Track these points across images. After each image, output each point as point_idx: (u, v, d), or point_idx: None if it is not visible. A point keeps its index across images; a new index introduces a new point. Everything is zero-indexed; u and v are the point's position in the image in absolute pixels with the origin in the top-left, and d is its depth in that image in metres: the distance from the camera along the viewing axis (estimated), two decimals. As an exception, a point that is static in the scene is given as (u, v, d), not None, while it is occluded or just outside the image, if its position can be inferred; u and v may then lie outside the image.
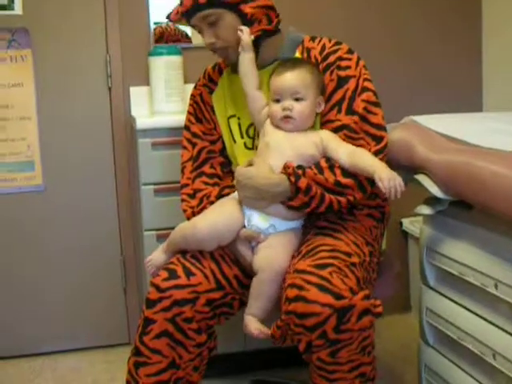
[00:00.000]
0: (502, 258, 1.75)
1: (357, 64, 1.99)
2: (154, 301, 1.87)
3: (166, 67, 2.82)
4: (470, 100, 3.25)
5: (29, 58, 2.85)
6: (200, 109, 2.19)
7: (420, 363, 2.19)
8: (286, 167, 1.87)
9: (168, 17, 2.04)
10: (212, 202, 2.05)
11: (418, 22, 3.19)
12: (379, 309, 1.72)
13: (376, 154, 1.91)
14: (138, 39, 2.96)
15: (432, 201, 2.02)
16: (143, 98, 2.96)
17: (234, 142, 2.12)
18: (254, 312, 1.87)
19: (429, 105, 3.02)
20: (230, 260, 1.97)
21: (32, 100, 2.89)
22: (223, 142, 2.16)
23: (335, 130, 1.94)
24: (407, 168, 2.07)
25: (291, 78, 1.91)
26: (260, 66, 2.03)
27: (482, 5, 3.22)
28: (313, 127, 1.97)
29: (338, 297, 1.66)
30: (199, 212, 2.06)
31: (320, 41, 2.05)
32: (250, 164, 1.94)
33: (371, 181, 1.86)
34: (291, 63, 1.95)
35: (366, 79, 1.98)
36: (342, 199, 1.89)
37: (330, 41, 2.04)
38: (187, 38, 3.01)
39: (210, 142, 2.17)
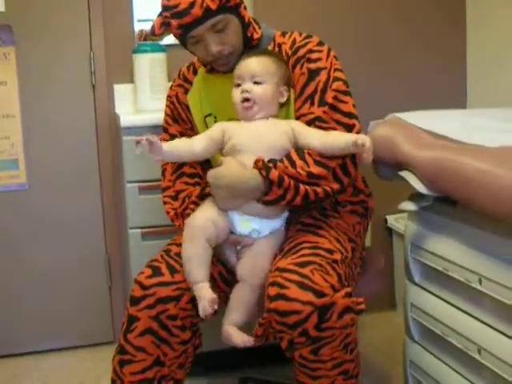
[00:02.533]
0: (486, 253, 1.76)
1: (328, 55, 1.98)
2: (138, 298, 1.86)
3: (150, 65, 2.82)
4: (454, 97, 3.26)
5: (12, 56, 2.83)
6: (176, 109, 2.18)
7: (405, 359, 2.20)
8: (256, 162, 1.84)
9: (152, 33, 1.97)
10: (194, 202, 2.03)
11: (401, 20, 3.19)
12: (361, 306, 1.72)
13: None
14: (122, 36, 2.95)
15: (416, 197, 2.03)
16: (127, 95, 2.95)
17: None
18: (235, 321, 1.85)
19: (413, 102, 3.02)
20: (216, 259, 1.96)
21: (15, 98, 2.87)
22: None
23: (309, 123, 1.93)
24: (391, 165, 2.08)
25: (252, 63, 1.91)
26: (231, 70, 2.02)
27: (466, 3, 3.23)
28: (277, 117, 1.95)
29: (319, 294, 1.67)
30: (182, 213, 2.05)
31: (290, 36, 2.04)
32: (220, 164, 1.92)
33: (346, 171, 1.87)
34: (257, 52, 1.96)
35: (336, 69, 1.97)
36: (318, 189, 1.86)
37: (300, 35, 2.04)
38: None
39: None
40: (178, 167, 2.14)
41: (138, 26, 2.97)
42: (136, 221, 2.59)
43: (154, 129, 2.55)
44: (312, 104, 1.94)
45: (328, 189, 1.87)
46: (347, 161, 1.89)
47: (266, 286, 1.77)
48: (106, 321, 3.09)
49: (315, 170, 1.85)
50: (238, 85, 1.91)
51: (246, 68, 1.91)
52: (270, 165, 1.83)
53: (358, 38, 3.14)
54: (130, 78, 2.93)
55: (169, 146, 1.93)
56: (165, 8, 1.93)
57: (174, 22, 1.91)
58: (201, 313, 1.78)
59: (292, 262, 1.76)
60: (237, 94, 1.91)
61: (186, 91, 2.16)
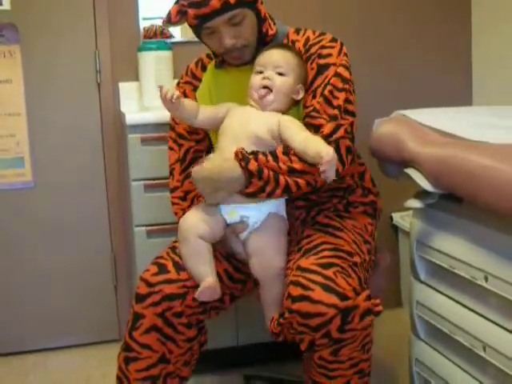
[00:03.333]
0: (492, 250, 1.76)
1: (339, 52, 1.97)
2: (144, 295, 1.86)
3: (155, 62, 2.82)
4: (460, 95, 3.26)
5: (17, 54, 2.84)
6: None
7: (411, 357, 2.19)
8: (236, 153, 1.81)
9: (168, 20, 1.93)
10: None
11: (407, 17, 3.19)
12: (379, 308, 1.73)
13: (331, 133, 1.86)
14: (127, 34, 2.95)
15: (422, 194, 2.02)
16: (132, 93, 2.95)
17: None
18: (274, 314, 1.83)
19: (418, 101, 3.01)
20: (220, 255, 1.97)
21: (21, 96, 2.87)
22: (209, 140, 2.13)
23: (307, 115, 1.92)
24: (397, 162, 2.08)
25: (277, 54, 1.91)
26: (248, 62, 2.01)
27: (471, 3, 3.22)
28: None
29: (343, 297, 1.67)
30: None
31: (304, 33, 2.04)
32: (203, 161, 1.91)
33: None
34: (280, 45, 1.96)
35: (341, 65, 1.95)
36: (300, 181, 1.82)
37: (314, 33, 2.03)
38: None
39: (195, 141, 2.14)
40: (186, 167, 2.13)
41: (143, 24, 2.97)
42: (141, 219, 2.59)
43: (159, 126, 2.56)
44: (314, 97, 1.93)
45: (311, 181, 1.84)
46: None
47: (287, 284, 1.76)
48: (111, 318, 3.09)
49: (298, 165, 1.81)
50: (260, 72, 1.91)
51: (271, 57, 1.91)
52: (250, 156, 1.80)
53: (362, 37, 3.13)
54: (135, 76, 2.93)
55: (183, 104, 1.93)
56: None
57: (191, 12, 1.89)
58: (196, 293, 1.80)
59: (315, 263, 1.75)
60: (256, 80, 1.90)
61: (195, 88, 2.14)
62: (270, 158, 1.81)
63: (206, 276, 1.83)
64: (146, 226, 2.59)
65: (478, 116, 2.19)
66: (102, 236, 3.04)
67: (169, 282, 1.86)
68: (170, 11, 1.93)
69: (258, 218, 1.89)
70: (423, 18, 3.20)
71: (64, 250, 3.00)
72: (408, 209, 2.12)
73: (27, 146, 2.91)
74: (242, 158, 1.80)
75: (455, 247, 1.91)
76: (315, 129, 1.88)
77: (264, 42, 2.01)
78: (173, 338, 1.88)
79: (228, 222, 1.91)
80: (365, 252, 1.94)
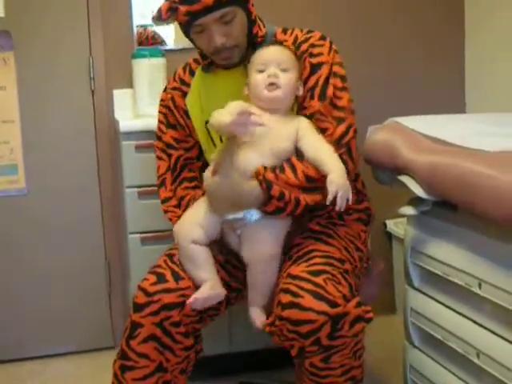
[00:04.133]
0: (486, 257, 1.76)
1: (329, 50, 1.97)
2: (142, 305, 1.86)
3: (149, 69, 2.82)
4: (452, 101, 3.27)
5: (11, 61, 2.83)
6: (173, 114, 2.13)
7: (405, 364, 2.19)
8: (257, 174, 1.81)
9: (158, 17, 1.92)
10: None
11: (399, 24, 3.20)
12: (370, 314, 1.74)
13: (341, 136, 1.87)
14: (121, 41, 2.95)
15: (416, 201, 2.03)
16: (126, 100, 2.95)
17: (214, 146, 2.06)
18: (256, 302, 1.87)
19: (411, 107, 3.02)
20: (219, 264, 1.96)
21: (15, 103, 2.87)
22: (200, 148, 2.13)
23: (309, 117, 1.91)
24: (390, 169, 2.08)
25: (277, 51, 1.90)
26: (239, 63, 2.01)
27: (465, 5, 3.23)
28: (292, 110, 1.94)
29: (333, 305, 1.67)
30: None
31: (292, 32, 2.03)
32: (215, 169, 1.90)
33: (346, 168, 1.83)
34: (275, 43, 1.95)
35: (335, 63, 1.96)
36: (317, 197, 1.84)
37: (301, 31, 2.03)
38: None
39: (184, 149, 2.13)
40: (178, 174, 2.13)
41: (137, 31, 2.97)
42: (135, 226, 2.59)
43: (153, 134, 2.54)
44: (312, 97, 1.92)
45: (326, 192, 1.81)
46: (346, 159, 1.87)
47: (277, 292, 1.77)
48: (105, 326, 3.08)
49: (313, 173, 1.82)
50: (261, 71, 1.88)
51: (273, 54, 1.89)
52: (271, 176, 1.80)
53: (356, 41, 3.14)
54: (129, 83, 2.93)
55: None
56: None
57: (183, 8, 1.87)
58: (188, 300, 1.82)
59: (305, 270, 1.75)
60: (261, 79, 1.86)
61: (184, 94, 2.12)
62: (288, 171, 1.81)
63: (204, 280, 1.85)
64: (140, 233, 2.59)
65: (472, 123, 2.19)
66: (95, 243, 3.03)
67: (167, 291, 1.86)
68: (160, 8, 1.92)
69: (260, 214, 1.88)
70: (416, 24, 3.21)
71: (57, 257, 2.99)
72: (402, 216, 2.12)
73: (21, 153, 2.90)
74: (263, 179, 1.80)
75: (449, 254, 1.92)
76: (322, 131, 1.88)
77: (253, 43, 1.99)
78: (170, 347, 1.88)
79: (229, 217, 1.89)
80: (356, 259, 1.95)
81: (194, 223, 1.90)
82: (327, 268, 1.77)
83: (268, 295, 1.87)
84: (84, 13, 2.89)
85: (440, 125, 2.18)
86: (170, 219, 2.12)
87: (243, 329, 2.60)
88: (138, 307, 1.86)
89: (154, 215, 2.55)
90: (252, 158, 1.83)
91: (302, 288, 1.70)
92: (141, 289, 1.88)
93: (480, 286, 1.78)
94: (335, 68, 1.95)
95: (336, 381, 1.79)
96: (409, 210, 2.03)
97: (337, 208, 1.73)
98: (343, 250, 1.91)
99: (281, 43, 1.97)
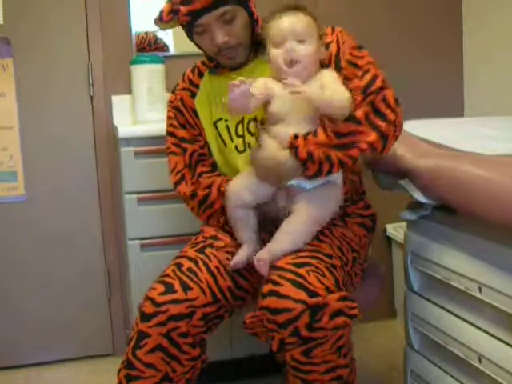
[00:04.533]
0: (486, 261, 1.76)
1: (332, 31, 1.96)
2: (150, 315, 1.84)
3: (148, 76, 2.82)
4: (451, 104, 3.27)
5: (10, 68, 2.84)
6: (182, 114, 2.12)
7: (406, 369, 2.19)
8: (289, 143, 1.81)
9: (160, 19, 1.94)
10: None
11: (397, 30, 3.21)
12: (354, 311, 1.72)
13: (367, 85, 1.83)
14: (120, 48, 2.96)
15: (415, 206, 2.03)
16: (125, 106, 2.95)
17: (225, 146, 2.07)
18: (274, 248, 1.83)
19: (411, 110, 3.02)
20: (225, 272, 1.95)
21: (14, 110, 2.87)
22: (209, 148, 2.12)
23: None
24: (390, 173, 2.08)
25: (293, 20, 1.83)
26: (242, 64, 2.01)
27: (463, 10, 3.24)
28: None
29: (312, 294, 1.67)
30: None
31: None
32: (259, 144, 1.89)
33: (379, 113, 1.80)
34: (290, 9, 1.87)
35: (343, 36, 1.95)
36: (353, 152, 1.80)
37: None
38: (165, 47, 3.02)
39: (199, 146, 2.12)
40: (194, 169, 2.10)
41: (135, 37, 2.98)
42: (135, 232, 2.58)
43: (152, 140, 2.56)
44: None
45: (364, 146, 1.79)
46: (379, 104, 1.81)
47: (262, 283, 1.78)
48: (105, 333, 3.08)
49: (342, 128, 1.79)
50: (277, 44, 1.83)
51: (288, 25, 1.82)
52: (299, 142, 1.79)
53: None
54: (127, 89, 2.94)
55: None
56: None
57: (183, 9, 1.89)
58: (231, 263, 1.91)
59: (289, 262, 1.76)
60: (278, 55, 1.83)
61: (193, 95, 2.12)
62: (319, 132, 1.80)
63: (243, 242, 1.93)
64: (140, 239, 2.58)
65: (472, 127, 2.20)
66: (95, 249, 3.03)
67: (176, 302, 1.83)
68: (161, 10, 1.94)
69: (314, 184, 1.87)
70: (418, 22, 3.22)
71: (57, 263, 2.99)
72: (401, 220, 2.12)
73: (20, 160, 2.90)
74: (291, 146, 1.81)
75: (449, 258, 1.92)
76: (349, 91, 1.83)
77: (257, 43, 2.00)
78: (177, 358, 1.86)
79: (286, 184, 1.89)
80: (349, 259, 1.94)
81: (244, 186, 1.92)
82: (312, 261, 1.78)
83: (286, 251, 1.83)
84: (82, 19, 2.90)
85: (439, 129, 2.19)
86: (189, 195, 2.10)
87: (244, 335, 2.60)
88: (146, 317, 1.84)
89: (153, 221, 2.55)
90: (288, 128, 1.83)
91: (282, 277, 1.71)
92: (148, 298, 1.86)
93: (480, 289, 1.78)
94: (344, 38, 1.94)
95: (321, 378, 1.77)
96: (408, 215, 2.04)
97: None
98: (335, 247, 1.91)
99: (293, 6, 1.89)
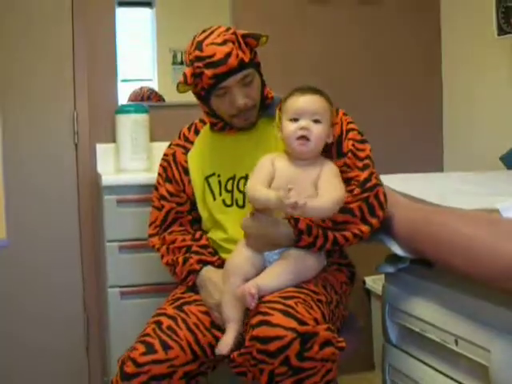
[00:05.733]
0: (462, 314, 1.78)
1: (336, 113, 2.05)
2: (131, 375, 1.84)
3: (132, 125, 2.85)
4: (431, 159, 3.33)
5: (-5, 114, 2.86)
6: (171, 169, 2.18)
7: (383, 421, 2.19)
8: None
9: (185, 82, 1.99)
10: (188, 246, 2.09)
11: (375, 77, 3.29)
12: (342, 343, 1.75)
13: (365, 181, 1.95)
14: (105, 97, 2.99)
15: (393, 259, 2.05)
16: (109, 155, 2.98)
17: (214, 199, 2.12)
18: (261, 283, 1.84)
19: (391, 165, 3.07)
20: (204, 328, 1.96)
21: (-2, 155, 2.88)
22: (191, 204, 2.16)
23: None
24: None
25: (313, 100, 1.94)
26: (250, 125, 2.09)
27: (442, 67, 3.33)
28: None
29: (302, 322, 1.70)
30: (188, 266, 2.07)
31: None
32: (252, 212, 1.96)
33: (373, 212, 1.93)
34: (310, 88, 1.97)
35: (348, 122, 2.05)
36: (347, 234, 1.92)
37: None
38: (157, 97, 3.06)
39: (176, 203, 2.16)
40: (168, 226, 2.17)
41: (121, 86, 3.01)
42: (115, 280, 2.59)
43: (135, 188, 2.58)
44: (331, 158, 2.00)
45: (357, 232, 1.92)
46: (373, 202, 1.94)
47: (249, 317, 1.80)
48: (82, 381, 3.04)
49: (339, 217, 1.91)
50: (295, 119, 1.93)
51: (309, 104, 1.93)
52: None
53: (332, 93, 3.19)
54: (112, 137, 2.96)
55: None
56: (198, 58, 1.96)
57: (208, 72, 1.95)
58: (216, 349, 1.85)
59: (276, 295, 1.80)
60: (293, 129, 1.92)
61: (186, 151, 2.18)
62: None
63: (232, 320, 1.88)
64: (120, 287, 2.58)
65: (450, 183, 2.24)
66: (75, 297, 3.01)
67: (157, 362, 1.84)
68: (184, 73, 1.99)
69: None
70: (398, 73, 3.30)
71: (37, 309, 2.96)
72: (380, 273, 2.14)
73: (2, 205, 2.89)
74: (291, 217, 1.89)
75: (426, 311, 1.94)
76: (347, 181, 1.96)
77: (264, 105, 2.09)
78: None
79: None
80: (333, 299, 1.97)
81: (246, 258, 1.94)
82: (300, 295, 1.82)
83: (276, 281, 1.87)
84: (69, 67, 2.93)
85: (418, 184, 2.22)
86: (156, 248, 2.17)
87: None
88: (127, 376, 1.84)
89: (134, 269, 2.56)
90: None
91: (272, 308, 1.74)
92: (130, 358, 1.86)
93: (456, 342, 1.80)
94: (349, 125, 2.05)
95: None
96: (386, 268, 2.06)
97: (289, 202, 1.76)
98: (320, 286, 1.94)
99: (314, 88, 2.00)
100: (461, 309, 1.79)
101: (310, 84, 2.00)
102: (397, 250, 1.96)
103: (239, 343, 1.85)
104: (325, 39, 3.23)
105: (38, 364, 2.98)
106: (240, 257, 1.95)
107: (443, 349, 1.87)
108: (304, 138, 1.91)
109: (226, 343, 1.85)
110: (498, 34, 2.68)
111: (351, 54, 3.26)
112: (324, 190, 1.91)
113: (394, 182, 2.17)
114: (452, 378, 1.84)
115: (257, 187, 1.93)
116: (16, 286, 2.95)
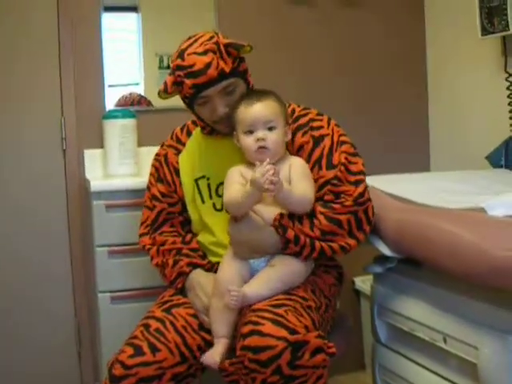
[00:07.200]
0: (450, 312, 1.80)
1: (328, 123, 2.05)
2: (119, 377, 1.84)
3: (120, 130, 2.85)
4: (417, 160, 3.35)
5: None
6: (163, 169, 2.19)
7: (374, 420, 2.21)
8: (274, 220, 1.91)
9: (165, 91, 2.00)
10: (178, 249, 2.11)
11: (361, 84, 3.30)
12: (332, 349, 1.75)
13: (359, 196, 1.94)
14: (93, 102, 2.99)
15: (382, 259, 2.07)
16: (97, 160, 2.97)
17: (203, 202, 2.12)
18: (249, 288, 1.86)
19: (378, 166, 3.08)
20: (193, 330, 1.97)
21: (-14, 163, 2.88)
22: (183, 205, 2.17)
23: (322, 187, 1.97)
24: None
25: (263, 108, 1.93)
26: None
27: (427, 67, 3.36)
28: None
29: (292, 331, 1.71)
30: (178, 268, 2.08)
31: (289, 106, 2.10)
32: (237, 217, 1.96)
33: (360, 227, 1.93)
34: (257, 94, 1.98)
35: (340, 135, 2.04)
36: (334, 245, 1.93)
37: (298, 106, 2.10)
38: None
39: (168, 204, 2.17)
40: (159, 227, 2.18)
41: (108, 92, 3.01)
42: (105, 284, 2.59)
43: (123, 193, 2.59)
44: (320, 168, 1.99)
45: (344, 244, 1.94)
46: (361, 216, 1.95)
47: (240, 326, 1.80)
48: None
49: (327, 227, 1.91)
50: (250, 131, 1.93)
51: (258, 115, 1.93)
52: (287, 223, 1.90)
53: (317, 106, 3.20)
54: (100, 143, 2.96)
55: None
56: (178, 67, 1.97)
57: (189, 82, 1.95)
58: (202, 358, 1.86)
59: (266, 304, 1.81)
60: (250, 143, 1.93)
61: (178, 152, 2.19)
62: (305, 222, 1.91)
63: (222, 336, 1.88)
64: (110, 292, 2.59)
65: (436, 182, 2.26)
66: (65, 301, 3.01)
67: (145, 364, 1.85)
68: (165, 82, 2.00)
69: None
70: (383, 83, 3.31)
71: (27, 314, 2.96)
72: (369, 273, 2.16)
73: (-8, 212, 2.90)
74: (278, 225, 1.90)
75: (414, 310, 1.95)
76: (336, 196, 1.95)
77: None
78: None
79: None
80: (322, 303, 1.98)
81: (236, 271, 1.94)
82: (289, 302, 1.82)
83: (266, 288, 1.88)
84: (56, 73, 2.93)
85: (404, 184, 2.24)
86: (147, 249, 2.18)
87: None
88: (115, 379, 1.85)
89: (123, 274, 2.56)
90: (266, 206, 1.93)
91: (262, 317, 1.75)
92: (118, 361, 1.87)
93: (445, 340, 1.82)
94: (341, 138, 2.03)
95: None
96: (375, 268, 2.08)
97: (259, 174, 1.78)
98: (309, 291, 1.95)
99: (262, 90, 2.01)
100: (449, 307, 1.81)
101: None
102: (385, 250, 1.98)
103: (229, 350, 1.86)
104: (308, 39, 3.24)
105: (29, 369, 2.98)
106: (230, 271, 1.94)
107: (432, 347, 1.88)
108: (262, 147, 1.92)
109: (212, 357, 1.85)
110: (482, 35, 2.70)
111: (334, 56, 3.27)
112: (298, 188, 1.91)
113: (380, 183, 2.18)
114: (441, 376, 1.86)
115: (232, 196, 1.93)
116: (4, 292, 2.94)
